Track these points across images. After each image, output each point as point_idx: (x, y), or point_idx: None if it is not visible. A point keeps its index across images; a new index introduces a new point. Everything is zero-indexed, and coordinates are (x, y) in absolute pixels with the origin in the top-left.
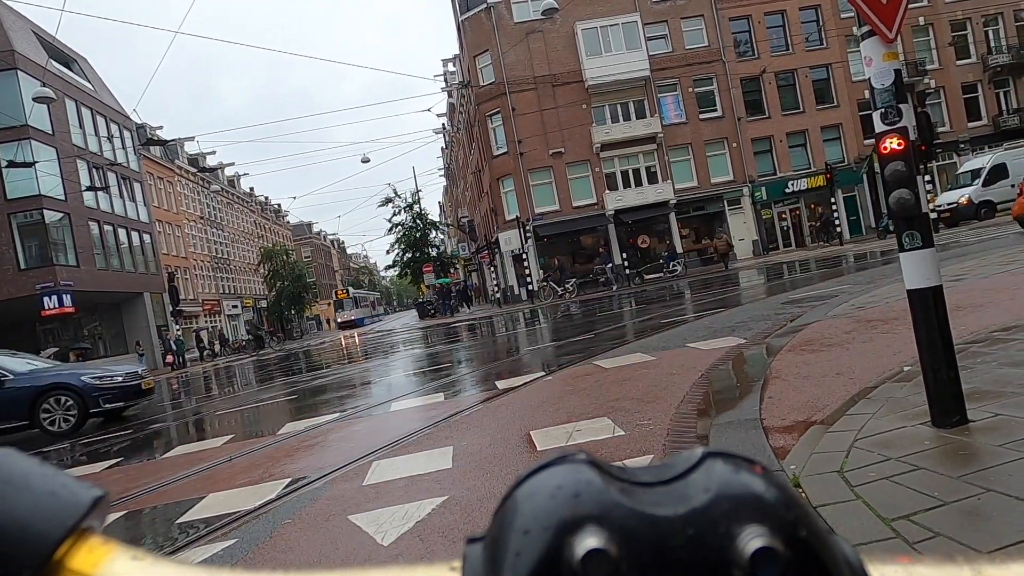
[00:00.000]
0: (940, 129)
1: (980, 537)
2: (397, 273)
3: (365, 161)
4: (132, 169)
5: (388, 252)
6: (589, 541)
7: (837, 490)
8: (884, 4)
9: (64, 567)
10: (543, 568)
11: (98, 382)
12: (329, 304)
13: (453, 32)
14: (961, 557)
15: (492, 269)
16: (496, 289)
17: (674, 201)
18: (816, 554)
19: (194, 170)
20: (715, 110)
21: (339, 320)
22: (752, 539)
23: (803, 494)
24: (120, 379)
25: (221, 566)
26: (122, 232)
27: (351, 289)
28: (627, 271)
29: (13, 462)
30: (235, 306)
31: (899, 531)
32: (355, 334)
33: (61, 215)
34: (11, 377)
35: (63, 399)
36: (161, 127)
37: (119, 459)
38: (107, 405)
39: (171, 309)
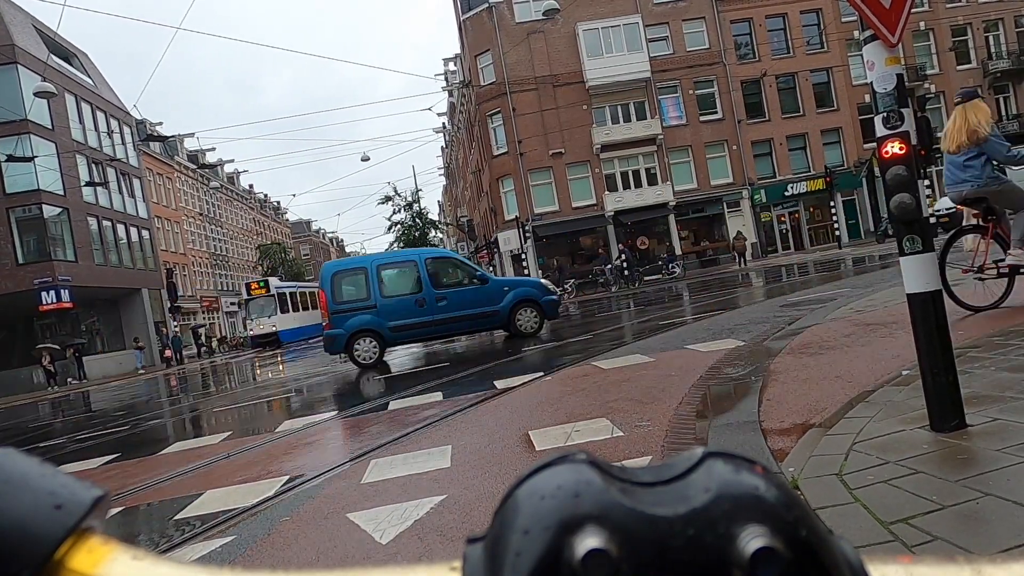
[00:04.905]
0: (939, 134)
1: (978, 541)
2: None
3: (365, 159)
4: (131, 165)
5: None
6: (589, 541)
7: (836, 493)
8: (887, 9)
9: (64, 567)
10: (543, 568)
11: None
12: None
13: (455, 31)
14: (961, 557)
15: (491, 269)
16: None
17: (673, 203)
18: (816, 554)
19: (193, 167)
20: (715, 112)
21: (251, 334)
22: (752, 539)
23: (802, 496)
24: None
25: (220, 564)
26: (121, 228)
27: (273, 282)
28: (626, 272)
29: (13, 462)
30: (233, 303)
31: (897, 534)
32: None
33: (60, 210)
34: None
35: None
36: (161, 123)
37: (116, 455)
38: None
39: (169, 305)
